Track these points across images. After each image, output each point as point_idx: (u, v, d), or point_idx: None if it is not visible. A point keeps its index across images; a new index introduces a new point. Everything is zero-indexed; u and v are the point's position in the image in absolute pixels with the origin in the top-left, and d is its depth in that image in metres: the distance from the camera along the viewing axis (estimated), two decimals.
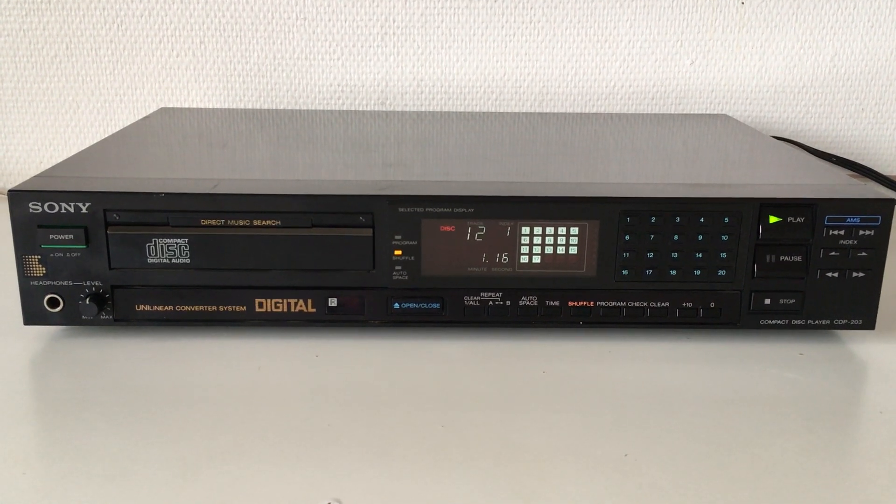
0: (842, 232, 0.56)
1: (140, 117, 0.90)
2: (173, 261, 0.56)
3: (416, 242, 0.56)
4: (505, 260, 0.57)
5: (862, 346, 0.59)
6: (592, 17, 0.93)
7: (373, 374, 0.54)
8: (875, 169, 0.94)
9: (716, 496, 0.42)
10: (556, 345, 0.58)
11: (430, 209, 0.56)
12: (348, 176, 0.62)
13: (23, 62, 0.92)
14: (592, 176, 0.65)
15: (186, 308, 0.57)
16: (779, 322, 0.58)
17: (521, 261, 0.57)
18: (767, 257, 0.57)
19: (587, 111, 0.96)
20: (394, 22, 0.92)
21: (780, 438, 0.48)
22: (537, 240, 0.57)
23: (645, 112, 0.96)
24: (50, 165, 0.90)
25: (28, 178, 0.58)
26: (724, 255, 0.57)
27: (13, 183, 0.93)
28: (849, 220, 0.56)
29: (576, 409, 0.51)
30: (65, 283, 0.56)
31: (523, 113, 0.91)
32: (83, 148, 0.75)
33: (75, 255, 0.55)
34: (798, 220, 0.56)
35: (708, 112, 0.96)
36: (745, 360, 0.57)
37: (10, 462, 0.44)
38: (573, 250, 0.57)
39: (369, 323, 0.58)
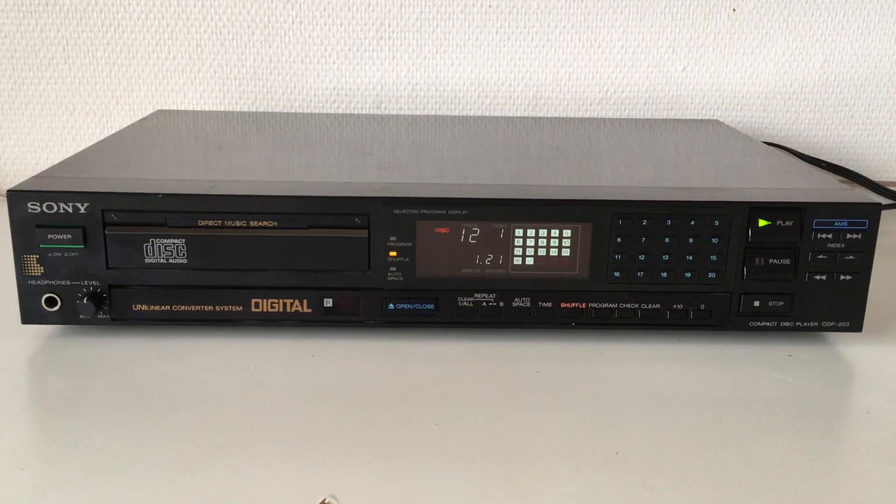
0: (830, 235, 0.57)
1: (137, 119, 0.90)
2: (171, 261, 0.57)
3: (410, 244, 0.57)
4: (499, 261, 0.58)
5: (849, 348, 0.60)
6: (586, 23, 0.94)
7: (368, 373, 0.55)
8: (864, 174, 0.96)
9: (705, 494, 0.43)
10: (548, 345, 0.59)
11: (425, 211, 0.56)
12: (344, 178, 0.62)
13: (20, 64, 0.92)
14: (585, 179, 0.66)
15: (183, 308, 0.58)
16: (768, 324, 0.59)
17: (515, 262, 0.58)
18: (757, 260, 0.57)
19: (580, 116, 0.97)
20: (389, 26, 0.93)
21: (769, 438, 0.48)
22: (530, 242, 0.57)
23: (637, 117, 0.97)
24: (46, 166, 0.90)
25: (24, 178, 0.58)
26: (714, 257, 0.58)
27: (9, 183, 0.93)
28: (837, 223, 0.57)
29: (568, 408, 0.51)
30: (62, 282, 0.56)
31: (517, 117, 0.92)
32: (80, 149, 0.75)
33: (73, 254, 0.56)
34: (787, 223, 0.57)
35: (699, 117, 0.97)
36: (734, 361, 0.58)
37: (9, 460, 0.45)
38: (566, 252, 0.57)
39: (364, 323, 0.59)
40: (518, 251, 0.57)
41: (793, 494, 0.43)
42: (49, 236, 0.55)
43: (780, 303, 0.58)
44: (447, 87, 0.95)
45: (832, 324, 0.59)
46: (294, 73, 0.94)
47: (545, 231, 0.57)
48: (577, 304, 0.59)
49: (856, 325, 0.59)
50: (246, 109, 0.95)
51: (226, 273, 0.57)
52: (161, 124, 0.81)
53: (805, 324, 0.59)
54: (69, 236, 0.55)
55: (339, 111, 0.96)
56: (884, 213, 0.63)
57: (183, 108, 0.95)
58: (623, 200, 0.57)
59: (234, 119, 0.86)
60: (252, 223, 0.56)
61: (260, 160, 0.69)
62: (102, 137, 0.87)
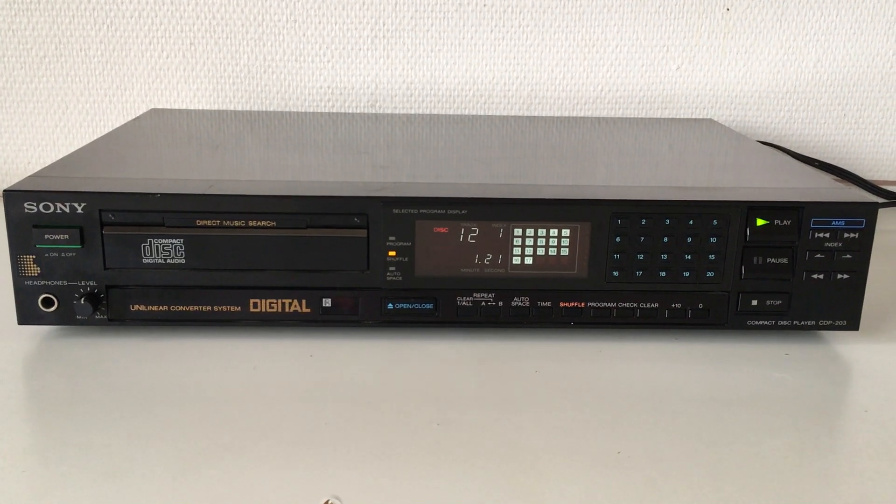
0: (827, 234, 0.57)
1: (130, 118, 0.90)
2: (168, 261, 0.56)
3: (409, 243, 0.57)
4: (498, 261, 0.58)
5: (846, 347, 0.60)
6: (580, 22, 0.94)
7: (367, 373, 0.55)
8: (857, 173, 0.96)
9: (705, 491, 0.43)
10: (548, 345, 0.59)
11: (424, 211, 0.56)
12: (342, 177, 0.62)
13: (11, 62, 0.92)
14: (583, 179, 0.66)
15: (181, 308, 0.58)
16: (765, 323, 0.59)
17: (514, 262, 0.58)
18: (754, 259, 0.58)
19: (575, 115, 0.97)
20: (384, 25, 0.93)
21: (768, 436, 0.48)
22: (529, 241, 0.57)
23: (632, 116, 0.97)
24: (39, 166, 0.90)
25: (16, 178, 0.58)
26: (712, 256, 0.58)
27: (1, 183, 0.93)
28: (834, 222, 0.57)
29: (568, 407, 0.51)
30: (59, 282, 0.56)
31: (512, 116, 0.92)
32: (73, 149, 0.75)
33: (70, 255, 0.56)
34: (785, 222, 0.57)
35: (694, 116, 0.98)
36: (732, 360, 0.58)
37: (8, 461, 0.44)
38: (565, 252, 0.58)
39: (363, 323, 0.59)
40: (517, 251, 0.57)
41: (791, 492, 0.43)
42: (46, 236, 0.55)
43: (778, 302, 0.59)
44: (442, 86, 0.95)
45: (829, 322, 0.59)
46: (288, 71, 0.94)
47: (544, 230, 0.57)
48: (576, 304, 0.59)
49: (853, 323, 0.59)
50: (240, 108, 0.95)
51: (224, 273, 0.57)
52: (155, 123, 0.81)
53: (802, 322, 0.59)
54: (66, 236, 0.55)
55: (334, 110, 0.95)
56: (880, 211, 0.63)
57: (177, 106, 0.94)
58: (622, 200, 0.57)
59: (229, 118, 0.85)
60: (250, 223, 0.56)
61: (256, 159, 0.69)
62: (95, 136, 0.87)
